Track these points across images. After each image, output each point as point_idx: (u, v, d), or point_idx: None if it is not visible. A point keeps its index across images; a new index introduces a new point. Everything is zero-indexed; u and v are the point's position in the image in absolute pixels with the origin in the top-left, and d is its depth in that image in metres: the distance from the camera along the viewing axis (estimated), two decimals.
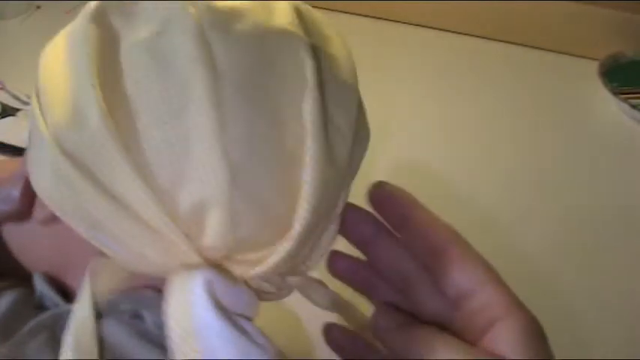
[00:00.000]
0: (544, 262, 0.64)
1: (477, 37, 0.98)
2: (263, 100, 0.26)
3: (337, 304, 0.33)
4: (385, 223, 0.32)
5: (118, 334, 0.30)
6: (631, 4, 0.89)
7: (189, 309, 0.25)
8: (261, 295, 0.30)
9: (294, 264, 0.30)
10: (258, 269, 0.27)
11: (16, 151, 0.70)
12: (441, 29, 0.99)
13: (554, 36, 0.94)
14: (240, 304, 0.27)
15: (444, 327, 0.29)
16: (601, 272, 0.64)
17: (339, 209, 0.30)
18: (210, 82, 0.25)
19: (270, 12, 0.28)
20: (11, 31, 0.96)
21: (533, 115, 0.85)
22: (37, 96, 0.29)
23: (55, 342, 0.28)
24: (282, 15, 0.28)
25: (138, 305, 0.31)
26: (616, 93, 0.84)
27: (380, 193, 0.31)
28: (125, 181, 0.25)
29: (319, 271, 0.32)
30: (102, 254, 0.28)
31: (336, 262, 0.33)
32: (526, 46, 0.96)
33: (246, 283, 0.29)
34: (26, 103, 0.78)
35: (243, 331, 0.26)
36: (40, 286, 0.35)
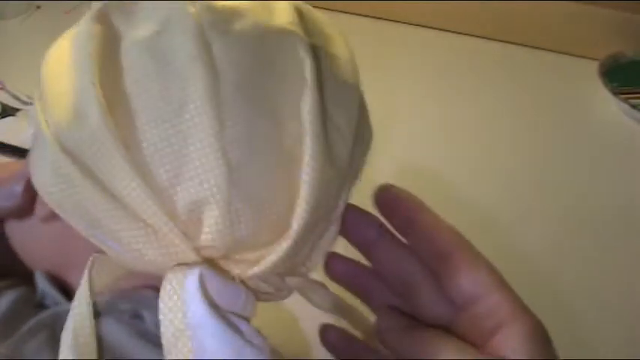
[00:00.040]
0: (544, 262, 0.64)
1: (477, 37, 0.97)
2: (262, 100, 0.26)
3: (338, 307, 0.33)
4: (389, 226, 0.31)
5: (117, 333, 0.30)
6: (631, 4, 0.89)
7: (182, 306, 0.25)
8: (259, 295, 0.30)
9: (292, 264, 0.30)
10: (256, 269, 0.27)
11: (16, 151, 0.70)
12: (441, 29, 0.98)
13: (554, 36, 0.94)
14: (236, 304, 0.27)
15: (446, 331, 0.29)
16: (601, 272, 0.64)
17: (339, 210, 0.30)
18: (209, 81, 0.25)
19: (270, 12, 0.28)
20: (11, 31, 0.96)
21: (533, 115, 0.85)
22: (40, 96, 0.29)
23: (54, 341, 0.28)
24: (282, 15, 0.28)
25: (138, 305, 0.31)
26: (616, 93, 0.84)
27: (386, 195, 0.31)
28: (124, 179, 0.25)
29: (319, 272, 0.32)
30: (102, 252, 0.28)
31: (334, 265, 0.33)
32: (526, 46, 0.95)
33: (244, 282, 0.28)
34: (26, 103, 0.77)
35: (237, 330, 0.26)
36: (42, 284, 0.35)
